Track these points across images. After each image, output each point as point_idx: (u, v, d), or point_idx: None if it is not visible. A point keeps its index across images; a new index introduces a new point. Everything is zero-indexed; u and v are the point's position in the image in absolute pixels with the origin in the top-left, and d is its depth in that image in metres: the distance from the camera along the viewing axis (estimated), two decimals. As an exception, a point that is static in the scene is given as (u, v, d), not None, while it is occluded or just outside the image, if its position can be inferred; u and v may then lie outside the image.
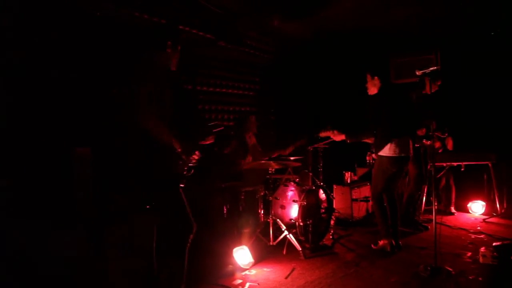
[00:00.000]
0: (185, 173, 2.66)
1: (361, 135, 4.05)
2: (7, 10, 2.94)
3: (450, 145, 5.41)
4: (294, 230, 3.92)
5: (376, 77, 3.92)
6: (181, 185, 2.60)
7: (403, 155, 3.80)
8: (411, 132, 4.00)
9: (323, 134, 4.16)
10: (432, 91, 4.46)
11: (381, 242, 3.94)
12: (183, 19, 4.32)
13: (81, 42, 3.41)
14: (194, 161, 2.63)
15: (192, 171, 2.67)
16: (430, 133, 4.04)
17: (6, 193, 2.73)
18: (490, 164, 5.13)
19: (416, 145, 4.50)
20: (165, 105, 2.55)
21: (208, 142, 3.11)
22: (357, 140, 4.07)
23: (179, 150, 2.55)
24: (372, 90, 3.97)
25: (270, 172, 4.04)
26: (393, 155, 3.79)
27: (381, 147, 3.85)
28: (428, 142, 4.20)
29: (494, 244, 3.51)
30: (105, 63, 3.55)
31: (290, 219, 4.06)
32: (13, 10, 2.98)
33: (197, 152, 2.64)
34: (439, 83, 4.64)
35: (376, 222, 4.02)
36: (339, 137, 4.03)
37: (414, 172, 4.59)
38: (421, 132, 4.44)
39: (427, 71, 3.39)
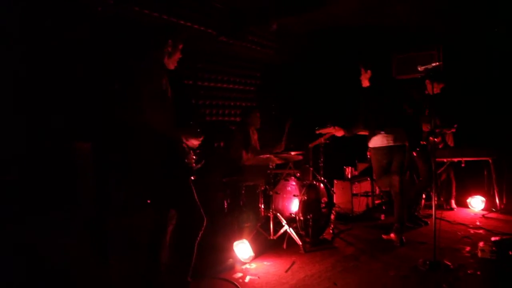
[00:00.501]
0: (194, 165, 2.65)
1: (355, 128, 4.09)
2: (5, 5, 2.93)
3: (450, 140, 5.42)
4: (294, 225, 3.95)
5: (369, 71, 4.01)
6: (192, 178, 2.60)
7: (394, 144, 3.84)
8: (404, 124, 4.02)
9: (324, 131, 4.22)
10: (434, 92, 4.47)
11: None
12: (183, 14, 4.31)
13: (81, 37, 3.41)
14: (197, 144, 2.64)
15: (203, 161, 2.67)
16: (437, 130, 4.05)
17: (9, 188, 2.75)
18: (490, 160, 5.14)
19: (422, 142, 4.52)
20: (166, 102, 2.53)
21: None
22: (352, 133, 4.12)
23: (186, 139, 2.55)
24: (365, 82, 4.06)
25: (271, 166, 4.06)
26: (381, 145, 3.86)
27: (370, 139, 3.96)
28: (437, 139, 4.21)
29: (493, 239, 3.53)
30: (106, 58, 3.56)
31: (291, 214, 4.08)
32: (10, 5, 2.98)
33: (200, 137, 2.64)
34: (441, 86, 4.64)
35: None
36: (339, 133, 4.13)
37: (424, 169, 4.60)
38: (426, 128, 4.45)
39: (429, 67, 3.39)
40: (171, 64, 2.69)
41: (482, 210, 5.30)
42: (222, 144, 5.27)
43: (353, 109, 4.12)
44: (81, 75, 3.37)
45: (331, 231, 4.38)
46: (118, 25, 3.72)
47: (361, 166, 5.82)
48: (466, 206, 5.50)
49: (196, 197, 2.60)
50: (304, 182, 4.18)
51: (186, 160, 2.58)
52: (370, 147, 3.99)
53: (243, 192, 4.11)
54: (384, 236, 4.08)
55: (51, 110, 3.18)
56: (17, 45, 3.02)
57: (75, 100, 3.33)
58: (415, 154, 4.64)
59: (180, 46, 2.69)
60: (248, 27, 5.06)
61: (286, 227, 3.87)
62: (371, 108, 3.93)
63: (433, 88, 4.22)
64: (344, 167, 5.55)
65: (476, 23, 5.32)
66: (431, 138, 4.38)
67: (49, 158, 3.07)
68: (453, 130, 4.98)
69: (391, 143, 3.86)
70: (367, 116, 3.94)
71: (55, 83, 3.22)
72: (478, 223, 4.69)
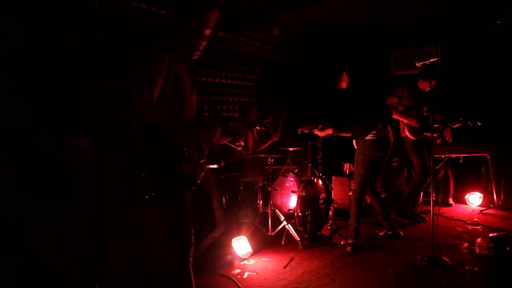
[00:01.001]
0: (197, 173, 2.21)
1: (346, 129, 3.89)
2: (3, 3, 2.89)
3: (449, 136, 5.42)
4: (292, 221, 3.95)
5: (344, 73, 3.92)
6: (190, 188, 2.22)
7: (382, 139, 3.79)
8: (388, 120, 4.02)
9: (306, 130, 3.98)
10: (427, 89, 4.48)
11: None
12: (181, 8, 4.27)
13: (78, 32, 3.38)
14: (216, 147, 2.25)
15: (223, 162, 2.32)
16: (437, 126, 4.01)
17: (5, 184, 2.72)
18: (488, 156, 5.15)
19: (412, 137, 4.53)
20: (182, 96, 2.14)
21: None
22: (341, 133, 3.90)
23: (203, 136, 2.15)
24: (343, 84, 3.93)
25: (269, 162, 4.05)
26: (372, 138, 3.75)
27: (364, 135, 3.80)
28: (435, 134, 4.19)
29: (490, 235, 3.54)
30: (105, 54, 3.53)
31: (289, 210, 4.08)
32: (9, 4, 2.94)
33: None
34: (434, 83, 4.63)
35: (376, 212, 4.06)
36: (324, 133, 3.90)
37: (418, 165, 4.61)
38: (414, 123, 4.44)
39: (427, 62, 3.39)
40: (189, 52, 2.23)
41: (480, 206, 5.33)
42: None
43: (334, 110, 4.02)
44: (79, 70, 3.34)
45: (329, 227, 4.39)
46: (116, 19, 3.68)
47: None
48: (464, 202, 5.52)
49: (187, 212, 2.19)
50: (303, 178, 4.18)
51: (183, 166, 2.12)
52: (365, 139, 3.81)
53: (241, 188, 4.10)
54: (380, 233, 4.10)
55: (49, 106, 3.15)
56: (15, 42, 2.98)
57: (73, 95, 3.31)
58: (409, 149, 4.66)
59: (207, 32, 2.21)
60: (248, 22, 5.03)
61: (284, 223, 3.87)
62: (359, 108, 3.81)
63: (428, 85, 4.23)
64: (343, 163, 5.55)
65: (475, 19, 5.30)
66: (426, 133, 4.39)
67: (47, 154, 3.05)
68: (459, 124, 4.92)
69: (381, 138, 3.79)
70: (357, 117, 3.81)
71: (53, 79, 3.20)
72: (475, 219, 4.72)
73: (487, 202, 5.33)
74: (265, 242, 3.91)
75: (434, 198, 3.37)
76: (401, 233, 3.96)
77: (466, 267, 3.20)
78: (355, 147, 3.94)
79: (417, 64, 3.43)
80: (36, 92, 3.10)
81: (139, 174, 2.45)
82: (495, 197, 5.24)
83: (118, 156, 3.43)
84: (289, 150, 4.38)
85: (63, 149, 3.11)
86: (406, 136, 4.61)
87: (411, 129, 4.52)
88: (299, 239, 3.80)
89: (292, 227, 3.86)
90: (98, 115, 3.44)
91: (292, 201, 4.11)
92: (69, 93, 3.29)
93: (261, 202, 4.17)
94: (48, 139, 3.03)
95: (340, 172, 5.51)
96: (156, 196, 2.21)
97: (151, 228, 2.95)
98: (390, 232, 4.01)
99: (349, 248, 3.70)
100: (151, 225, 2.95)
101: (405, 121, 4.54)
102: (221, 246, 3.62)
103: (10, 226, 2.55)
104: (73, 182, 3.09)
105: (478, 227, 4.38)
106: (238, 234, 3.66)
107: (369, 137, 3.78)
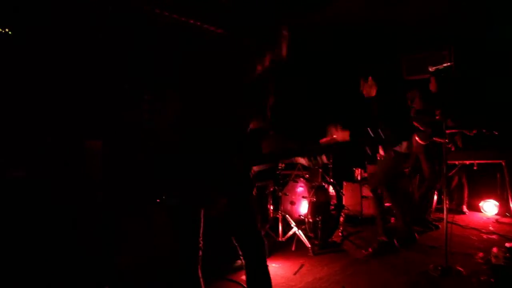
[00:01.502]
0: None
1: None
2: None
3: (459, 141, 5.32)
4: (303, 226, 3.92)
5: (370, 78, 3.77)
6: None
7: (405, 152, 3.79)
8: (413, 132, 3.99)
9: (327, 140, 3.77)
10: (439, 94, 4.44)
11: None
12: (186, 11, 4.28)
13: (92, 34, 3.41)
14: None
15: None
16: (448, 132, 3.97)
17: (17, 185, 2.75)
18: (503, 163, 5.03)
19: (423, 142, 4.48)
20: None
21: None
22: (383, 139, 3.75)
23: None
24: (369, 92, 3.81)
25: (279, 168, 4.03)
26: (400, 150, 3.75)
27: (396, 144, 3.76)
28: (442, 140, 4.12)
29: (507, 244, 3.44)
30: (117, 58, 3.56)
31: (300, 215, 4.05)
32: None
33: None
34: (446, 88, 4.57)
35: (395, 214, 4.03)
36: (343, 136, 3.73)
37: (428, 170, 4.55)
38: (425, 128, 4.39)
39: (440, 67, 3.35)
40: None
41: (495, 214, 5.21)
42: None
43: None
44: (92, 73, 3.38)
45: (340, 233, 4.34)
46: (126, 22, 3.71)
47: (371, 168, 5.74)
48: (478, 210, 5.41)
49: (196, 217, 2.06)
50: (313, 184, 4.15)
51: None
52: (395, 151, 3.75)
53: (251, 193, 4.08)
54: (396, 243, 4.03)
55: (62, 108, 3.19)
56: (27, 42, 3.02)
57: (88, 98, 3.34)
58: (419, 152, 4.61)
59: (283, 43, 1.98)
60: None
61: (295, 229, 3.83)
62: (400, 116, 3.77)
63: (440, 89, 4.19)
64: (354, 168, 5.50)
65: (489, 22, 5.22)
66: (436, 138, 4.33)
67: (59, 156, 3.08)
68: (474, 131, 4.84)
69: (406, 150, 3.77)
70: (394, 123, 3.69)
71: (68, 81, 3.23)
72: (491, 228, 4.61)
73: (503, 210, 5.21)
74: (275, 248, 3.87)
75: (447, 206, 3.31)
76: (416, 236, 3.91)
77: (481, 278, 3.11)
78: (382, 152, 3.87)
79: (430, 69, 3.40)
80: (50, 94, 3.13)
81: (150, 178, 2.45)
82: (511, 205, 5.11)
83: (130, 159, 3.45)
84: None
85: (76, 151, 3.14)
86: (415, 140, 4.58)
87: (420, 134, 4.48)
88: (309, 245, 3.76)
89: (303, 233, 3.82)
90: (112, 118, 3.46)
91: (303, 207, 4.07)
92: (83, 95, 3.32)
93: (271, 208, 4.15)
94: (61, 141, 3.06)
95: (351, 178, 5.46)
96: (165, 200, 2.20)
97: (160, 231, 2.95)
98: (384, 239, 3.84)
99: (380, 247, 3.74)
100: (160, 228, 2.96)
101: (415, 124, 4.50)
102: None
103: (22, 226, 2.58)
104: (85, 184, 3.11)
105: (494, 236, 4.28)
106: (248, 239, 3.63)
107: (399, 148, 3.73)
